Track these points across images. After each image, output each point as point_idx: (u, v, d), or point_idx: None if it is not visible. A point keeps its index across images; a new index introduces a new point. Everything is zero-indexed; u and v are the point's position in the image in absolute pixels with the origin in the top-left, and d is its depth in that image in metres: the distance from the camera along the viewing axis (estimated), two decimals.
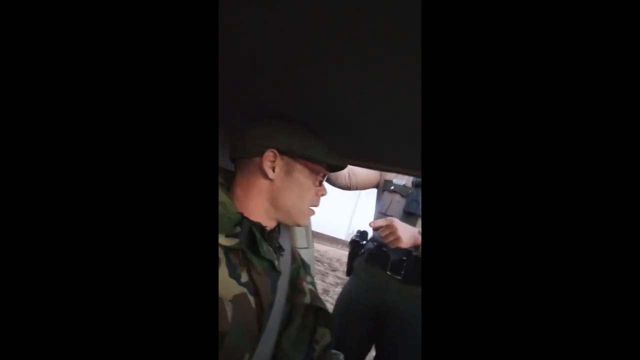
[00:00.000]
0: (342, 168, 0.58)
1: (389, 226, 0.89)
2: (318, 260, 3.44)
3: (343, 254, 3.92)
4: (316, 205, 0.56)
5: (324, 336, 0.54)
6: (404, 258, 0.97)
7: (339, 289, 2.77)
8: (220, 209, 0.45)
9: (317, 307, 0.54)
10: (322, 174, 0.55)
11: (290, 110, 0.54)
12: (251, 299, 0.44)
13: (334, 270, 3.37)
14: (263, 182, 0.51)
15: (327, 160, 0.54)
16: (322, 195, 0.57)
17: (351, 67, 0.37)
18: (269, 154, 0.50)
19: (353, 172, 1.11)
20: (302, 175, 0.53)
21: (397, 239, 0.88)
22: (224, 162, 0.60)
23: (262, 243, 0.47)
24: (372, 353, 1.10)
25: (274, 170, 0.50)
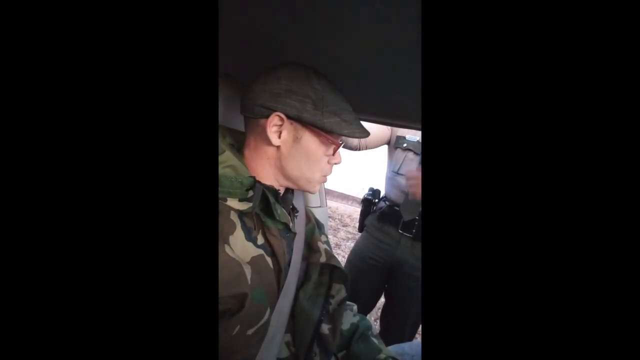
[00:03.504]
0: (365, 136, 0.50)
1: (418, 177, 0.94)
2: (330, 217, 3.52)
3: (354, 210, 4.00)
4: (329, 174, 0.51)
5: (340, 291, 0.57)
6: (417, 217, 0.97)
7: (350, 244, 2.88)
8: (231, 172, 0.43)
9: (332, 266, 0.56)
10: (336, 145, 0.48)
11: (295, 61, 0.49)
12: (268, 259, 0.45)
13: (345, 225, 3.46)
14: (269, 148, 0.47)
15: (343, 133, 0.46)
16: (336, 163, 0.51)
17: (358, 17, 0.34)
18: (274, 118, 0.44)
19: None
20: (312, 144, 0.46)
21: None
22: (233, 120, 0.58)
23: (276, 207, 0.46)
24: (382, 300, 1.17)
25: (279, 137, 0.46)
